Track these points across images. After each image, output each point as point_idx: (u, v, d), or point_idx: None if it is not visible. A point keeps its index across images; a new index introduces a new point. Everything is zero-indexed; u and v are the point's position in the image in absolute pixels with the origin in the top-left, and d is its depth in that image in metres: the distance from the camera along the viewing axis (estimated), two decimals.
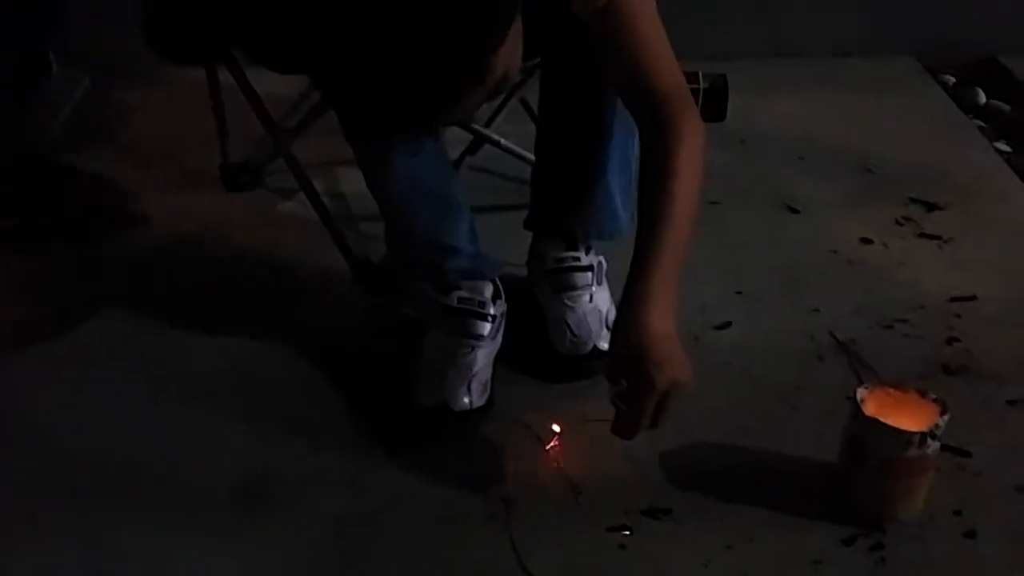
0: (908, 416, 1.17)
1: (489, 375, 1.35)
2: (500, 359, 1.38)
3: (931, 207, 1.80)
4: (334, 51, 0.95)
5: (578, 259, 1.44)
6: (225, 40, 1.51)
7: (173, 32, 1.51)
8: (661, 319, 1.10)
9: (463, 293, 1.35)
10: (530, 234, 1.51)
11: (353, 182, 1.84)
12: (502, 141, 1.68)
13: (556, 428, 1.31)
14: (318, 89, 1.42)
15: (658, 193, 1.13)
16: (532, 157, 1.56)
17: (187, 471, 1.27)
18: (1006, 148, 2.07)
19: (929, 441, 1.13)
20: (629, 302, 1.12)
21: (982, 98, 2.25)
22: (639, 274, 1.12)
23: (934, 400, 1.17)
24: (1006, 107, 2.24)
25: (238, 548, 1.17)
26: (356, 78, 0.96)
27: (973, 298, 1.57)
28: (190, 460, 1.29)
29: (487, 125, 1.73)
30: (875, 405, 1.18)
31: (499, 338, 1.37)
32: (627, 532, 1.18)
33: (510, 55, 1.02)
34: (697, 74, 2.07)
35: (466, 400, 1.30)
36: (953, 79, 2.35)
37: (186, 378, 1.43)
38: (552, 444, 1.30)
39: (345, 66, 0.96)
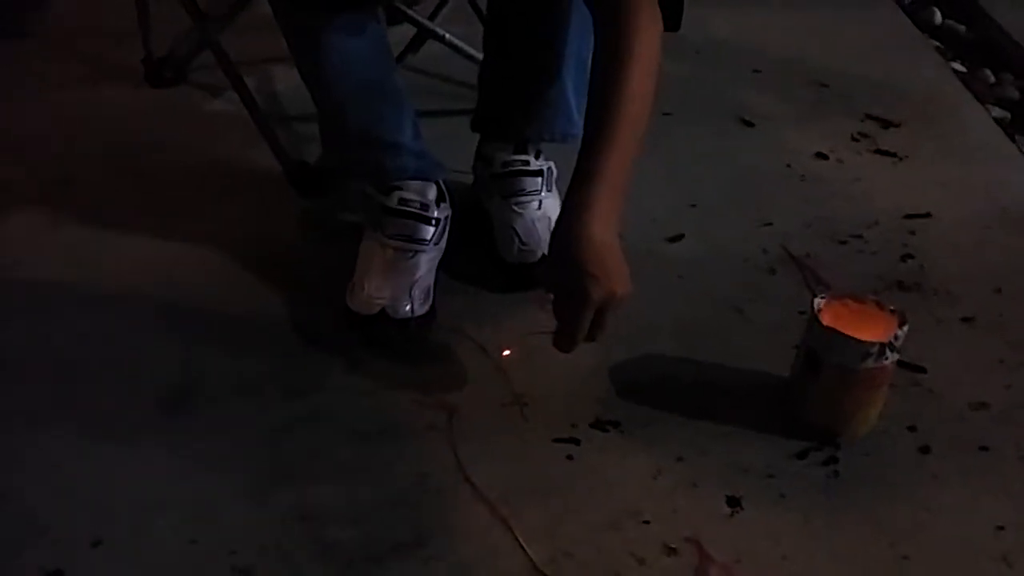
0: (865, 328, 1.13)
1: (432, 282, 1.28)
2: (443, 267, 1.31)
3: (887, 124, 1.76)
4: None
5: (527, 163, 1.36)
6: None
7: None
8: (602, 227, 1.04)
9: (405, 194, 1.26)
10: (476, 139, 1.43)
11: (286, 80, 1.74)
12: (447, 35, 1.58)
13: (504, 349, 1.25)
14: None
15: (609, 89, 1.05)
16: (479, 55, 1.47)
17: (113, 375, 1.20)
18: (961, 68, 2.04)
19: (888, 352, 1.10)
20: (570, 208, 1.05)
21: (938, 18, 2.21)
22: (582, 178, 1.05)
23: (892, 312, 1.14)
24: (961, 27, 2.20)
25: (168, 455, 1.10)
26: None
27: (927, 215, 1.53)
28: (115, 364, 1.21)
29: (432, 17, 1.62)
30: (831, 316, 1.14)
31: (443, 244, 1.30)
32: (575, 443, 1.13)
33: None
34: None
35: (408, 307, 1.23)
36: None
37: (110, 280, 1.34)
38: (502, 354, 1.23)
39: None
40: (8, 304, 1.29)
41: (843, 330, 1.11)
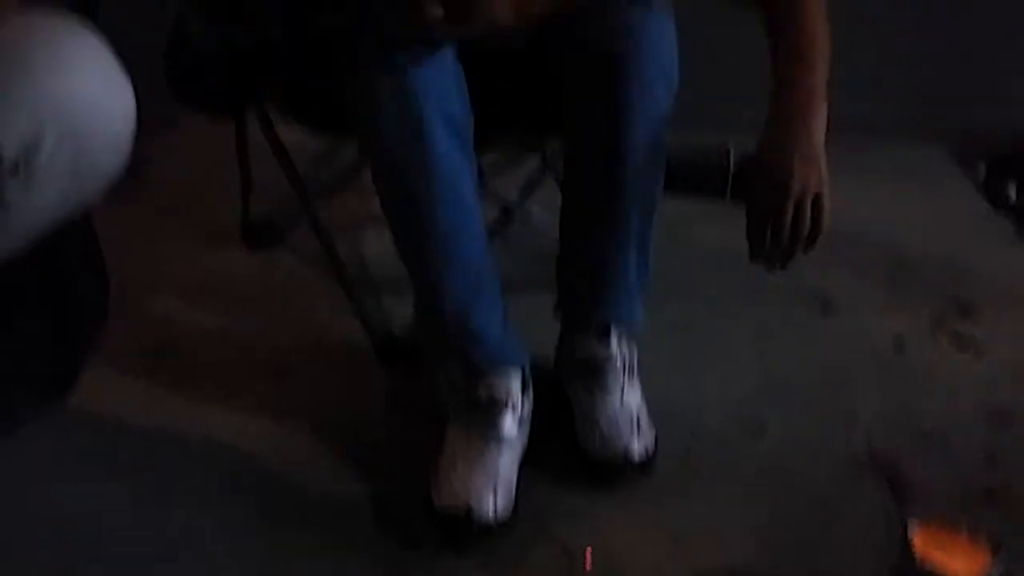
0: (958, 556, 1.11)
1: (515, 477, 1.28)
2: (525, 457, 1.31)
3: (967, 309, 1.75)
4: None
5: (608, 351, 1.36)
6: (257, 89, 1.45)
7: (201, 79, 1.45)
8: (805, 141, 1.14)
9: (492, 385, 1.28)
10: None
11: (378, 245, 1.77)
12: (534, 210, 1.61)
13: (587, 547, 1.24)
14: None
15: (791, 22, 1.18)
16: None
17: (191, 555, 1.21)
18: None
19: None
20: (767, 123, 1.17)
21: (1013, 195, 2.20)
22: (777, 94, 1.16)
23: (987, 541, 1.12)
24: None
25: None
26: None
27: (1011, 414, 1.51)
28: (203, 553, 1.22)
29: (521, 199, 1.66)
30: (923, 540, 1.13)
31: (526, 436, 1.31)
32: None
33: None
34: (728, 151, 1.99)
35: (490, 506, 1.23)
36: (984, 169, 2.29)
37: (189, 452, 1.37)
38: (586, 554, 1.23)
39: None
40: (101, 491, 1.31)
41: (935, 551, 1.10)
